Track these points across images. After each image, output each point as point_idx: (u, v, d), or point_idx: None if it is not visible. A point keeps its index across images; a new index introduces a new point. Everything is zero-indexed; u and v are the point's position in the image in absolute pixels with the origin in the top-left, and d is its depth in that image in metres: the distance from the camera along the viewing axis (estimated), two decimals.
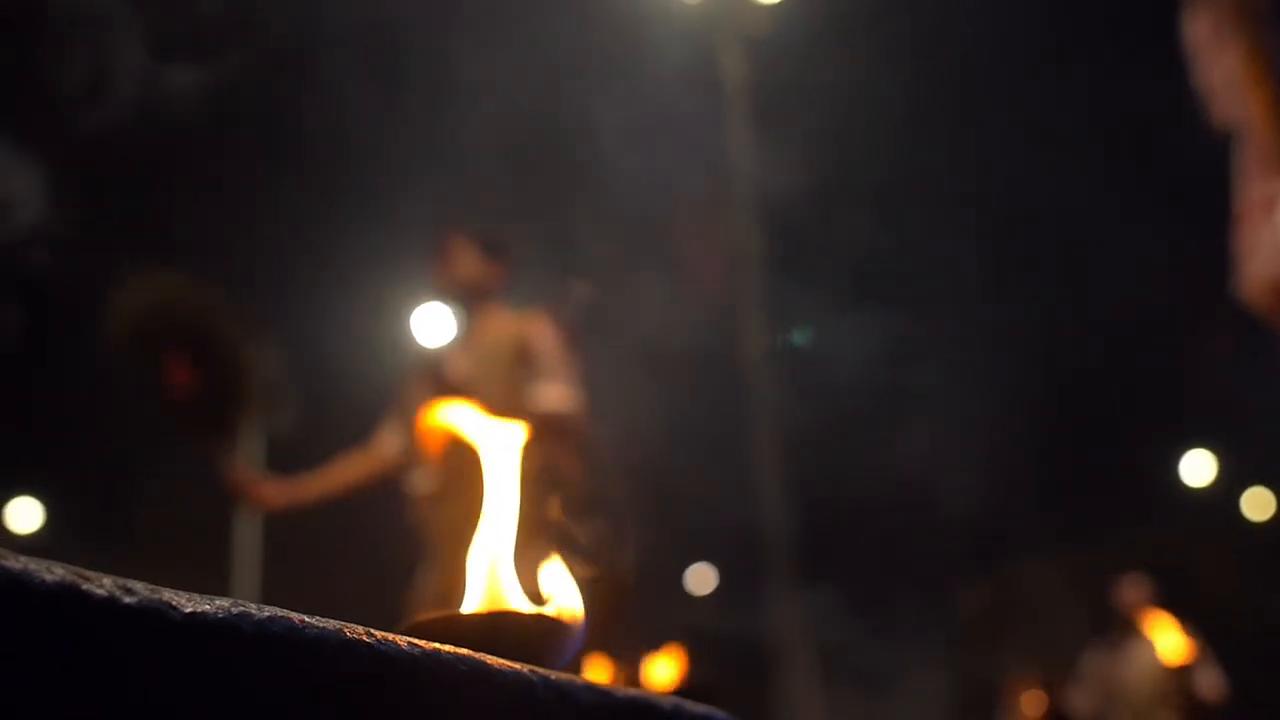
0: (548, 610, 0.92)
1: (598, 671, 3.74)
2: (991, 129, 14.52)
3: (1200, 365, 12.36)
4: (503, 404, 4.07)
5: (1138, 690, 6.52)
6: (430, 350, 4.60)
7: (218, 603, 0.66)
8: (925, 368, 13.72)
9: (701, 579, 19.88)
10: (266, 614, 0.67)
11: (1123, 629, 6.85)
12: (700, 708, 0.91)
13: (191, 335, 3.49)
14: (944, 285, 14.61)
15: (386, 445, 4.38)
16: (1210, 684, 6.47)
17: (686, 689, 3.11)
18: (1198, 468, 15.92)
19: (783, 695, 9.62)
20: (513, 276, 4.55)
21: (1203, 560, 13.44)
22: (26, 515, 15.78)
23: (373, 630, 0.73)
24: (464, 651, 0.76)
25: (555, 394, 4.13)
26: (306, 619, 0.70)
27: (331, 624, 0.70)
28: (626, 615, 4.14)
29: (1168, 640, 5.95)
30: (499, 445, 1.04)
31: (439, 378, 4.23)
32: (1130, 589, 6.88)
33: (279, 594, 13.89)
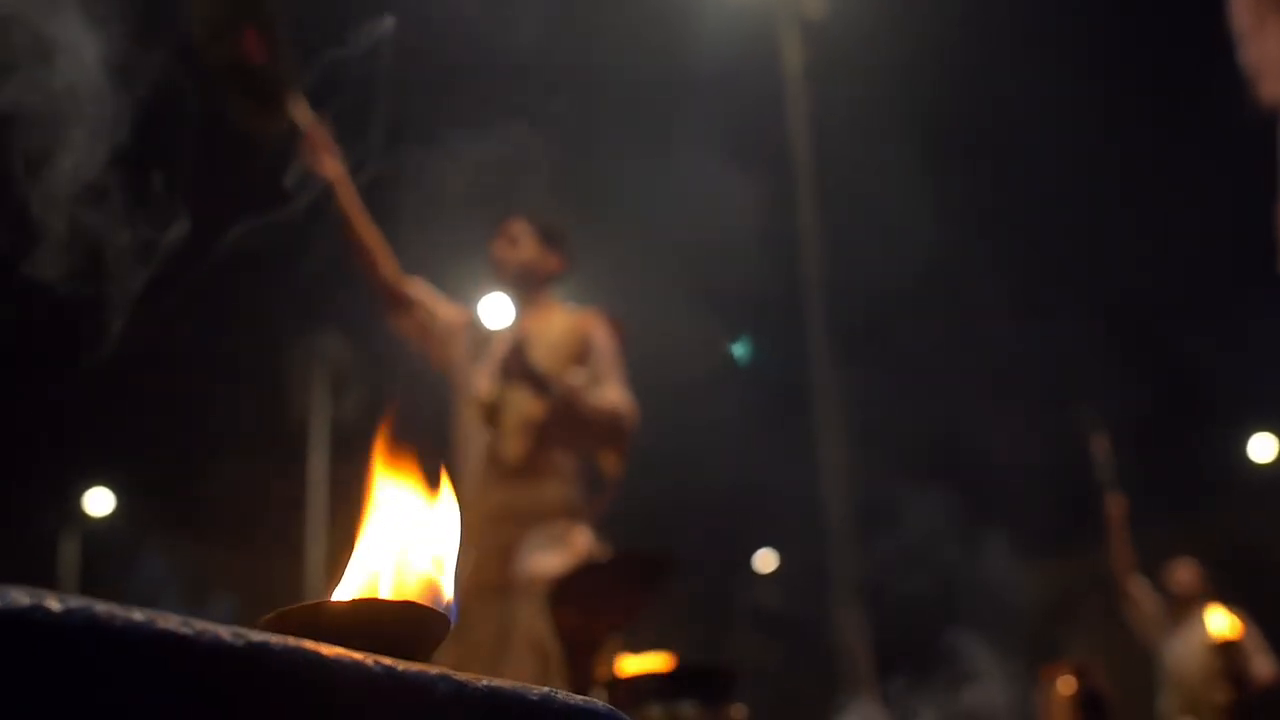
0: (416, 598, 0.90)
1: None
2: (1060, 123, 14.33)
3: (1266, 344, 12.14)
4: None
5: (1190, 672, 6.46)
6: (488, 332, 4.61)
7: (12, 594, 0.65)
8: (990, 352, 13.59)
9: (766, 563, 19.86)
10: (63, 606, 0.66)
11: (1176, 612, 6.81)
12: (576, 699, 0.89)
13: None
14: (1002, 284, 14.46)
15: (412, 285, 4.44)
16: (1261, 666, 6.41)
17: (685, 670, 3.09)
18: (1264, 448, 15.71)
19: (842, 679, 9.59)
20: (569, 269, 4.57)
21: (1269, 540, 13.24)
22: (99, 503, 16.07)
23: (191, 621, 0.71)
24: (294, 642, 0.75)
25: (614, 395, 4.22)
26: (115, 610, 0.68)
27: (142, 614, 0.69)
28: (663, 593, 4.15)
29: (1217, 619, 5.91)
30: (390, 438, 1.03)
31: (493, 358, 4.28)
32: (1183, 572, 6.85)
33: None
